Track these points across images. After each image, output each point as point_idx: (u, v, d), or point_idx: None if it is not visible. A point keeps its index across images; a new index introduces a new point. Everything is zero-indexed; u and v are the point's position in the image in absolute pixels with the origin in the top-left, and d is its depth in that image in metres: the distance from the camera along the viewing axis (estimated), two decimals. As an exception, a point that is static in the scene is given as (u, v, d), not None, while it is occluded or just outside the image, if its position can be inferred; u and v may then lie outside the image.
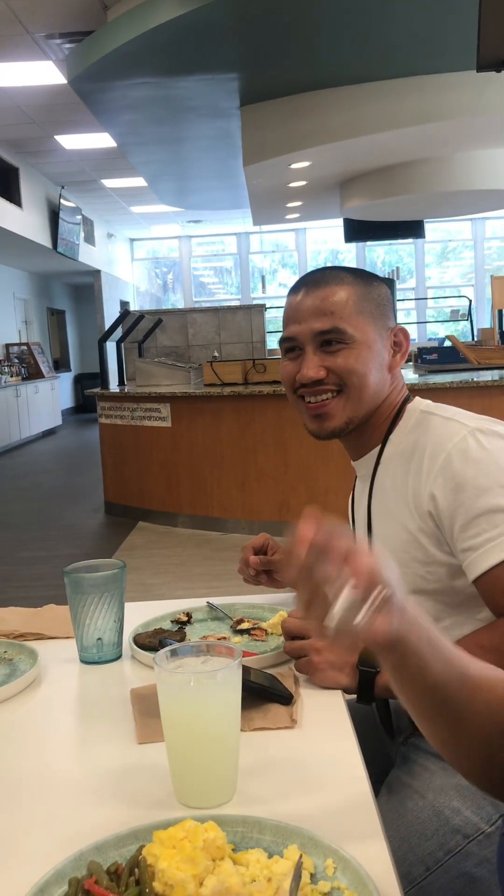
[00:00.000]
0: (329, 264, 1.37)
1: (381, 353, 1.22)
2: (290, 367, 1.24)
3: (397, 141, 6.41)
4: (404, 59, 5.59)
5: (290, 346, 1.24)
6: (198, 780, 0.87)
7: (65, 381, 15.60)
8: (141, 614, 1.40)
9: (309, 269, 11.39)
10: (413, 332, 14.35)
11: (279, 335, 1.29)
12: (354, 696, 1.11)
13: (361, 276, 1.23)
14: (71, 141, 9.19)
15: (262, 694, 1.06)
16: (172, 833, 0.72)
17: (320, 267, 1.28)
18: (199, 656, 0.92)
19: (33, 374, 12.77)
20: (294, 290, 1.24)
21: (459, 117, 5.89)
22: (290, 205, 9.57)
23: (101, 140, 8.86)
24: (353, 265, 15.00)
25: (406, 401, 1.25)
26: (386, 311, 1.24)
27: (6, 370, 11.75)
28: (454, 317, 12.04)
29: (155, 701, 0.89)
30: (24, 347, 12.97)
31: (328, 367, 1.19)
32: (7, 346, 12.68)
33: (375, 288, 1.23)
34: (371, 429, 1.25)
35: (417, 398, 1.27)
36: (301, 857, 0.72)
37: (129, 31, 5.04)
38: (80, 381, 16.50)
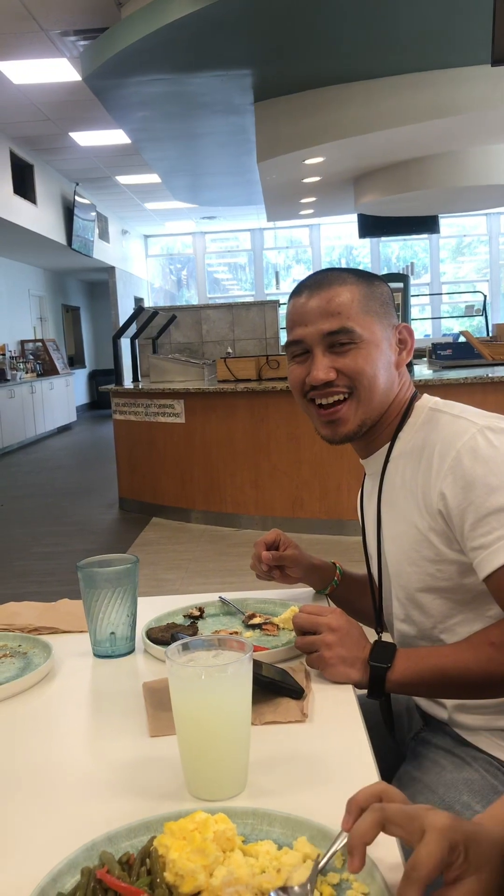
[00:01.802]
0: (331, 266, 1.36)
1: (387, 351, 1.22)
2: (298, 371, 1.23)
3: (412, 136, 6.39)
4: (418, 54, 5.56)
5: (297, 349, 1.23)
6: (209, 772, 0.88)
7: (79, 378, 15.66)
8: (154, 609, 1.41)
9: (323, 265, 11.43)
10: (427, 327, 14.31)
11: None
12: (365, 691, 1.11)
13: (363, 276, 1.23)
14: (85, 138, 9.21)
15: (273, 688, 1.07)
16: (183, 824, 0.73)
17: (320, 269, 1.28)
18: (211, 650, 0.92)
19: (48, 370, 12.83)
20: (297, 293, 1.24)
21: (474, 112, 5.87)
22: (304, 200, 9.56)
23: (116, 137, 8.89)
24: (367, 260, 14.90)
25: (414, 398, 1.25)
26: (389, 309, 1.24)
27: (21, 366, 11.81)
28: (469, 312, 11.98)
29: (167, 695, 0.90)
30: (40, 344, 13.03)
31: (338, 368, 1.19)
32: (22, 342, 12.74)
33: (378, 287, 1.23)
34: (380, 427, 1.25)
35: (426, 395, 1.26)
36: (321, 853, 0.72)
37: (143, 27, 5.04)
38: (95, 378, 16.57)
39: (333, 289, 1.19)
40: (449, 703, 1.20)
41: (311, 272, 1.30)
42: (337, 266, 1.36)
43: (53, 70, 6.94)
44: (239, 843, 0.73)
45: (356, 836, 0.66)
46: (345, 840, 0.73)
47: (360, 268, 1.43)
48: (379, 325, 1.21)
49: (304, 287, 1.23)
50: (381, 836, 0.76)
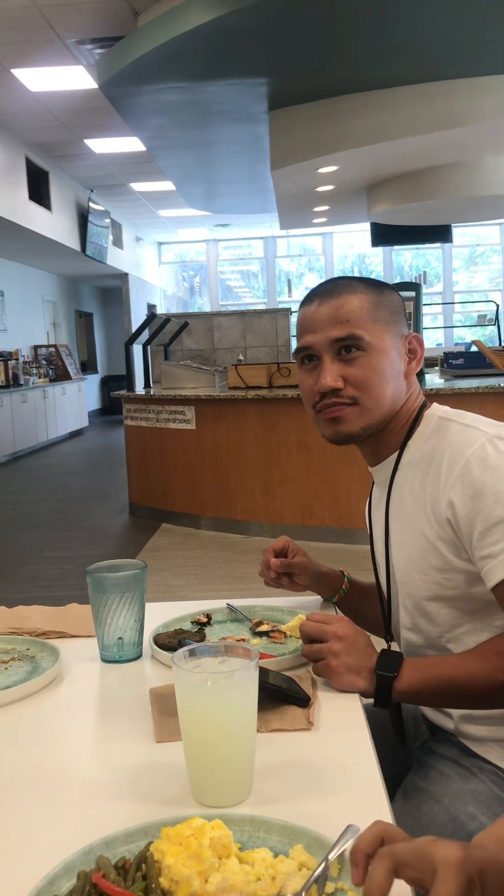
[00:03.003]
0: (343, 274, 1.35)
1: (396, 360, 1.22)
2: (308, 382, 1.23)
3: (425, 145, 6.40)
4: (433, 64, 5.57)
5: (306, 355, 1.23)
6: (214, 779, 0.88)
7: (92, 383, 15.73)
8: (161, 615, 1.41)
9: (336, 273, 11.41)
10: (440, 336, 14.28)
11: None
12: (371, 700, 1.11)
13: (374, 285, 1.23)
14: (100, 145, 9.27)
15: (279, 696, 1.07)
16: (180, 830, 0.73)
17: (331, 278, 1.28)
18: (217, 657, 0.93)
19: (61, 375, 12.89)
20: (307, 301, 1.24)
21: (488, 122, 5.87)
22: (317, 209, 9.58)
23: (130, 144, 8.94)
24: (379, 269, 14.91)
25: (423, 407, 1.25)
26: (399, 318, 1.24)
27: (34, 371, 11.87)
28: (481, 322, 11.95)
29: (173, 700, 0.90)
30: (52, 349, 13.10)
31: (345, 377, 1.19)
32: (35, 347, 12.80)
33: (388, 296, 1.23)
34: (388, 435, 1.25)
35: (435, 404, 1.26)
36: (325, 860, 0.72)
37: (159, 36, 5.08)
38: (107, 383, 16.63)
39: (343, 297, 1.20)
40: (455, 713, 1.19)
41: (323, 280, 1.31)
42: (349, 275, 1.37)
43: (70, 78, 6.99)
44: (235, 850, 0.74)
45: (374, 891, 0.62)
46: (341, 850, 0.73)
47: (373, 276, 1.43)
48: (388, 333, 1.21)
49: (315, 295, 1.23)
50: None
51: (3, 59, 6.48)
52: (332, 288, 1.22)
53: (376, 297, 1.21)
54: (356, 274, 16.52)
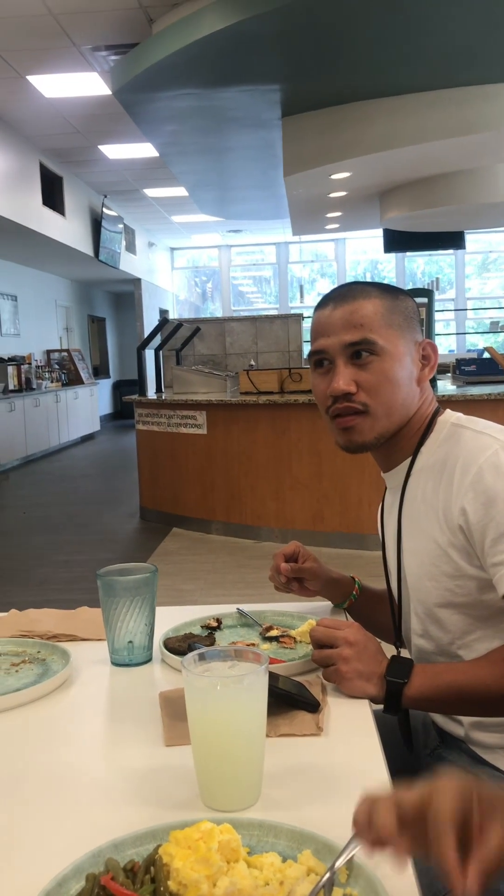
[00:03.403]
0: (357, 280, 1.37)
1: (409, 366, 1.22)
2: (321, 386, 1.24)
3: (438, 152, 6.39)
4: (446, 71, 5.58)
5: (320, 358, 1.24)
6: (222, 783, 0.88)
7: (104, 388, 15.78)
8: (172, 619, 1.41)
9: (348, 279, 11.36)
10: (452, 343, 14.24)
11: None
12: (381, 707, 1.11)
13: (388, 290, 1.23)
14: (114, 151, 9.32)
15: (288, 701, 1.07)
16: (188, 833, 0.73)
17: (346, 283, 1.29)
18: (227, 661, 0.93)
19: (73, 380, 12.94)
20: (321, 304, 1.25)
21: (501, 128, 5.86)
22: (329, 215, 9.58)
23: (144, 150, 8.98)
24: (392, 275, 14.89)
25: (436, 413, 1.25)
26: (413, 324, 1.24)
27: (47, 376, 11.92)
28: (494, 328, 11.93)
29: (183, 704, 0.90)
30: (65, 354, 13.15)
31: (358, 381, 1.19)
32: (48, 352, 12.86)
33: (402, 301, 1.23)
34: (402, 441, 1.25)
35: (448, 410, 1.26)
36: (332, 866, 0.72)
37: (173, 43, 5.10)
38: (119, 388, 16.68)
39: (357, 301, 1.20)
40: (466, 720, 1.19)
41: (335, 286, 1.31)
42: (362, 280, 1.37)
43: (84, 84, 7.03)
44: (244, 855, 0.74)
45: (383, 832, 0.65)
46: (349, 856, 0.73)
47: (385, 282, 1.44)
48: (402, 339, 1.21)
49: (330, 299, 1.24)
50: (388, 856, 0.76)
51: (18, 65, 6.53)
52: (346, 292, 1.22)
53: (391, 303, 1.21)
54: (369, 279, 16.51)
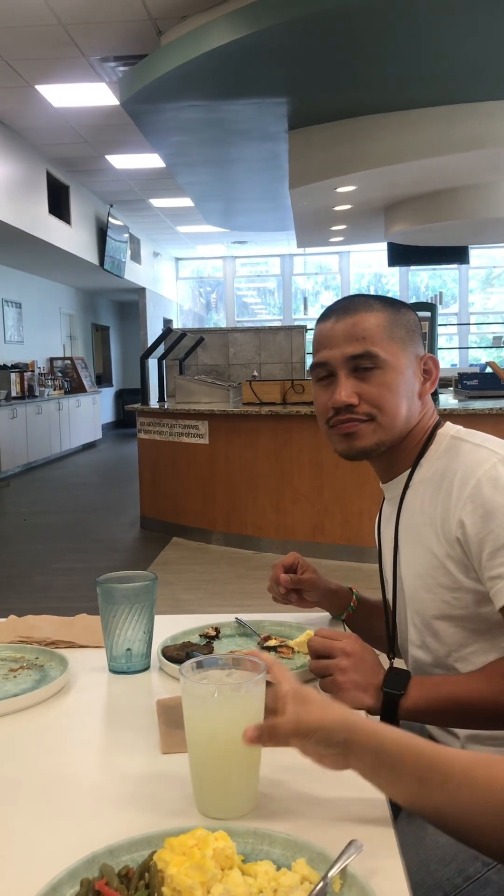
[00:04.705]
0: (360, 292, 1.37)
1: (411, 379, 1.23)
2: (323, 398, 1.24)
3: (444, 167, 6.43)
4: (452, 87, 5.61)
5: (322, 371, 1.24)
6: (218, 790, 0.88)
7: (106, 396, 15.80)
8: (170, 627, 1.42)
9: (352, 292, 11.35)
10: (455, 357, 14.27)
11: None
12: (378, 718, 1.11)
13: (390, 303, 1.24)
14: (121, 161, 9.37)
15: (285, 711, 1.07)
16: (183, 840, 0.73)
17: (348, 295, 1.29)
18: (225, 669, 0.93)
19: (76, 387, 12.96)
20: (324, 317, 1.25)
21: (507, 145, 5.89)
22: (334, 228, 9.62)
23: (151, 160, 9.03)
24: (396, 289, 14.90)
25: (437, 426, 1.26)
26: (415, 337, 1.25)
27: (50, 383, 11.94)
28: (497, 343, 11.95)
29: (180, 712, 0.91)
30: (68, 361, 13.18)
31: (360, 393, 1.20)
32: (51, 359, 12.89)
33: (404, 314, 1.24)
34: (402, 452, 1.25)
35: (448, 423, 1.27)
36: (325, 878, 0.72)
37: (181, 55, 5.14)
38: (122, 397, 16.71)
39: (360, 314, 1.21)
40: (462, 732, 1.19)
41: (338, 298, 1.32)
42: (365, 293, 1.38)
43: (92, 94, 7.08)
44: (238, 862, 0.74)
45: None
46: (343, 865, 0.73)
47: (389, 295, 1.45)
48: (403, 352, 1.22)
49: (332, 312, 1.25)
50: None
51: (27, 74, 6.58)
52: (348, 305, 1.23)
53: (393, 316, 1.22)
54: (372, 293, 16.54)
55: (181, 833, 0.76)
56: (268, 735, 0.86)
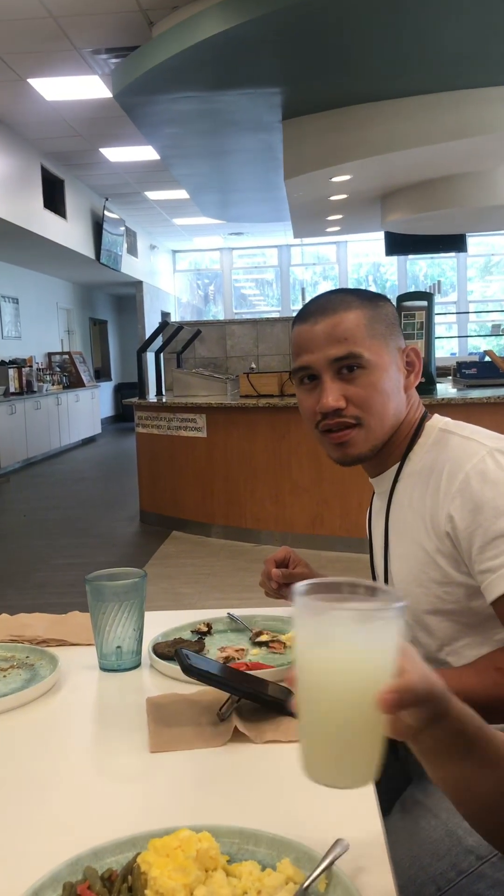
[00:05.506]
0: (336, 288, 1.33)
1: (396, 375, 1.21)
2: (308, 402, 1.21)
3: (439, 155, 6.39)
4: (446, 75, 5.57)
5: (305, 374, 1.21)
6: (340, 752, 0.69)
7: (105, 391, 15.78)
8: (161, 624, 1.41)
9: (350, 282, 11.26)
10: (454, 346, 14.23)
11: None
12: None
13: (368, 298, 1.22)
14: (115, 154, 9.33)
15: (277, 707, 1.06)
16: (167, 842, 0.73)
17: (323, 292, 1.26)
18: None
19: (74, 382, 12.94)
20: (302, 318, 1.22)
21: (501, 131, 5.86)
22: (330, 218, 9.58)
23: (145, 153, 8.98)
24: (394, 278, 14.81)
25: (424, 418, 1.25)
26: (395, 330, 1.23)
27: (48, 378, 11.92)
28: (495, 331, 11.92)
29: (170, 710, 0.90)
30: (66, 356, 13.16)
31: (347, 396, 1.17)
32: (49, 354, 12.87)
33: (382, 308, 1.22)
34: (390, 447, 1.24)
35: (436, 416, 1.25)
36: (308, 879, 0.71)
37: (173, 46, 5.10)
38: (121, 391, 16.68)
39: (339, 314, 1.18)
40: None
41: (313, 296, 1.28)
42: (340, 288, 1.34)
43: (85, 87, 7.04)
44: (223, 863, 0.73)
45: None
46: (329, 864, 0.72)
47: (371, 288, 1.43)
48: (386, 348, 1.20)
49: (309, 313, 1.21)
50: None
51: (19, 68, 6.54)
52: (326, 304, 1.20)
53: (372, 312, 1.20)
54: (371, 283, 16.52)
55: (166, 834, 0.75)
56: (405, 698, 0.66)
